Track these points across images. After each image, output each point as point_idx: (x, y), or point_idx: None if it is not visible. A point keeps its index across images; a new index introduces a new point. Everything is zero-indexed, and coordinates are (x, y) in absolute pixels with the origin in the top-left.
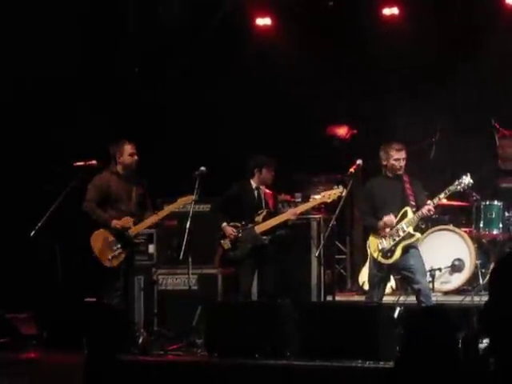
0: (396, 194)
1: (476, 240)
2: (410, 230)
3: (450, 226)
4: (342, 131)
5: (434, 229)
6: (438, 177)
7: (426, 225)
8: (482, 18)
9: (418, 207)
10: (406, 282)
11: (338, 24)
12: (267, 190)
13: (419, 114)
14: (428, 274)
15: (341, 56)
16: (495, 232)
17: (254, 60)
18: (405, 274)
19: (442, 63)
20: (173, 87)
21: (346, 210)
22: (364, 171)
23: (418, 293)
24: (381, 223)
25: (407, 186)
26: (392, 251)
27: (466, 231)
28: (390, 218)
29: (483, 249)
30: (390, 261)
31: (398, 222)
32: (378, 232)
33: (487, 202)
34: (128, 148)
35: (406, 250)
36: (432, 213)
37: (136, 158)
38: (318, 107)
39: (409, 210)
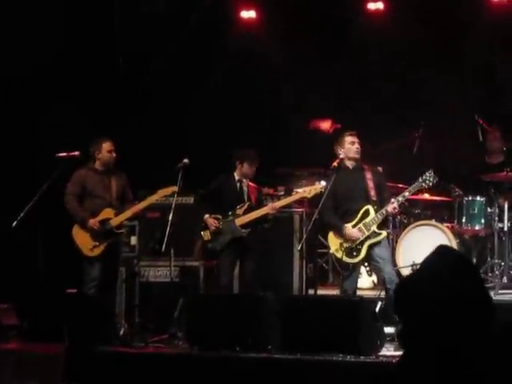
0: (357, 186)
1: (458, 235)
2: (375, 228)
3: (433, 221)
4: (326, 125)
5: (416, 224)
6: (421, 173)
7: (408, 220)
8: (466, 13)
9: (380, 202)
10: (374, 271)
11: (323, 18)
12: (251, 184)
13: (403, 109)
14: (410, 268)
15: (325, 50)
16: (477, 228)
17: (239, 53)
18: (372, 263)
19: (426, 58)
20: (157, 79)
21: None
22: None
23: (384, 281)
24: (345, 234)
25: (368, 177)
26: (358, 250)
27: (448, 226)
28: (355, 234)
29: (465, 244)
30: (356, 260)
31: (360, 220)
32: (339, 231)
33: (470, 198)
34: (107, 145)
35: (371, 247)
36: (397, 211)
37: (114, 154)
38: (301, 101)
39: (370, 208)
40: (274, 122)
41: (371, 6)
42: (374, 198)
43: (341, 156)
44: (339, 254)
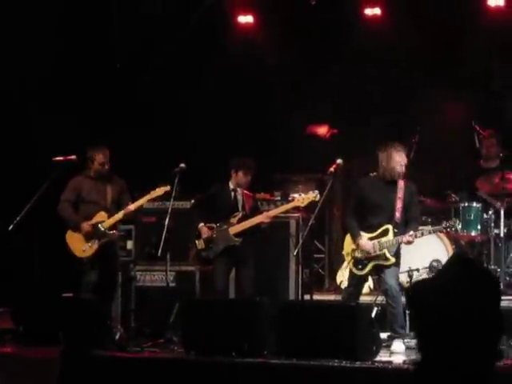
0: (387, 201)
1: (454, 241)
2: (386, 252)
3: (429, 227)
4: (323, 130)
5: None
6: (418, 178)
7: None
8: (463, 19)
9: (405, 221)
10: (378, 283)
11: (320, 23)
12: (246, 192)
13: (400, 114)
14: (406, 274)
15: (322, 55)
16: (473, 233)
17: (236, 57)
18: (378, 273)
19: (423, 63)
20: (154, 82)
21: (325, 210)
22: (344, 171)
23: (384, 293)
24: (358, 242)
25: (400, 196)
26: (364, 264)
27: (444, 232)
28: (367, 246)
29: (461, 250)
30: (360, 272)
31: (377, 236)
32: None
33: (466, 204)
34: (99, 157)
35: (377, 268)
36: (411, 243)
37: (107, 166)
38: (298, 106)
39: (390, 229)
40: (271, 127)
41: (368, 11)
42: (398, 221)
43: (382, 164)
44: (347, 259)
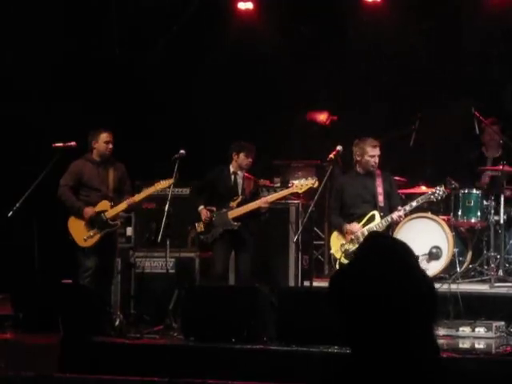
0: (367, 191)
1: (454, 228)
2: None
3: (429, 214)
4: (323, 117)
5: (412, 216)
6: (417, 165)
7: None
8: (465, 4)
9: (389, 208)
10: None
11: (319, 10)
12: (247, 175)
13: (400, 101)
14: None
15: (322, 42)
16: (473, 220)
17: (235, 44)
18: None
19: (424, 49)
20: (154, 69)
21: (324, 197)
22: (343, 157)
23: None
24: (345, 228)
25: (378, 183)
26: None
27: (444, 219)
28: (354, 228)
29: (461, 237)
30: None
31: (364, 225)
32: (342, 232)
33: (466, 191)
34: (104, 136)
35: None
36: (402, 219)
37: (111, 146)
38: (298, 93)
39: (376, 214)
40: (271, 114)
41: None
42: (382, 205)
43: (357, 159)
44: (338, 255)
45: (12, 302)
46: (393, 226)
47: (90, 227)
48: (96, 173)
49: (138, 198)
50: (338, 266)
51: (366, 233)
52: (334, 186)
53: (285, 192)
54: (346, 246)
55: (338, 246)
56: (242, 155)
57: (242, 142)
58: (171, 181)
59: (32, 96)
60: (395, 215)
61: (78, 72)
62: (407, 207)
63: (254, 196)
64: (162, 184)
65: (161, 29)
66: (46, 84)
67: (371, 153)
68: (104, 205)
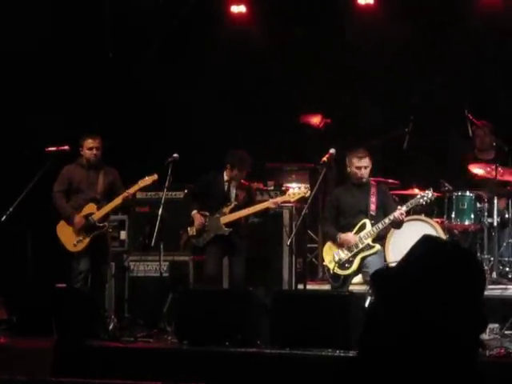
0: (361, 201)
1: (447, 230)
2: (369, 241)
3: (422, 216)
4: (316, 120)
5: (406, 218)
6: (410, 168)
7: None
8: (458, 5)
9: (383, 217)
10: (364, 278)
11: (312, 13)
12: (242, 181)
13: (393, 104)
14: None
15: (315, 44)
16: (467, 223)
17: (229, 47)
18: (363, 270)
19: (417, 52)
20: (147, 72)
21: (318, 199)
22: (337, 161)
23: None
24: (339, 239)
25: (372, 194)
26: (350, 262)
27: (437, 221)
28: (349, 238)
29: (455, 239)
30: (347, 272)
31: (356, 233)
32: (335, 242)
33: (459, 193)
34: (88, 142)
35: (364, 259)
36: (403, 217)
37: (95, 152)
38: (291, 95)
39: (367, 222)
40: (264, 117)
41: (361, 0)
42: (373, 213)
43: (347, 169)
44: (331, 266)
45: (5, 306)
46: (388, 228)
47: (79, 232)
48: (86, 176)
49: (120, 198)
50: (330, 278)
51: (364, 240)
52: (329, 198)
53: (278, 199)
54: (338, 257)
55: (332, 257)
56: (235, 171)
57: (238, 155)
58: (154, 177)
59: (25, 99)
60: (397, 213)
61: (69, 73)
62: (407, 205)
63: (247, 203)
64: (146, 180)
65: (154, 32)
66: (36, 85)
67: (357, 164)
68: (90, 208)
